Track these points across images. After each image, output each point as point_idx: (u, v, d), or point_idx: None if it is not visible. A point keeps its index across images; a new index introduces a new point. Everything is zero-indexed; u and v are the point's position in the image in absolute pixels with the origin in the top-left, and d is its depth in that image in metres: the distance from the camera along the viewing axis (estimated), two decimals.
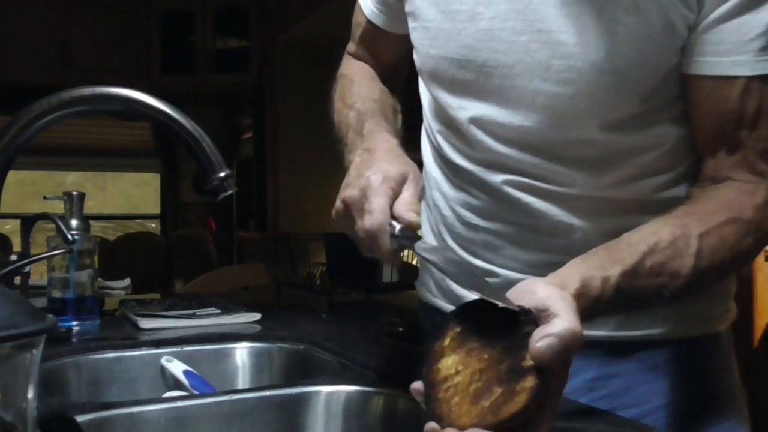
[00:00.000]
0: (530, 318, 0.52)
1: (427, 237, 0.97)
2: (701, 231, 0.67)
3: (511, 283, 0.83)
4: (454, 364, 0.53)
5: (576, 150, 0.78)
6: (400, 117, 0.93)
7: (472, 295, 0.90)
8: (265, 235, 4.16)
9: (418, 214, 0.68)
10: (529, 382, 0.49)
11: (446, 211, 0.90)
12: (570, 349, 0.51)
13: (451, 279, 0.66)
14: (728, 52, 0.70)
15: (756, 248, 0.72)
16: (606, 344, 0.82)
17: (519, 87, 0.76)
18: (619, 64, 0.71)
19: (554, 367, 0.51)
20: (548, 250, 0.81)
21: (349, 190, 0.70)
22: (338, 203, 0.71)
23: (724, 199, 0.71)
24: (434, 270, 0.95)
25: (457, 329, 0.55)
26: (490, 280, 0.85)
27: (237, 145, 5.03)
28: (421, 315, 1.03)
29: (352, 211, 0.69)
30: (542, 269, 0.81)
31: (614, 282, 0.62)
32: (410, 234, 0.66)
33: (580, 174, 0.78)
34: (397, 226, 0.66)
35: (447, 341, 0.55)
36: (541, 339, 0.50)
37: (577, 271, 0.61)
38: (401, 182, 0.69)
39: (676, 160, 0.79)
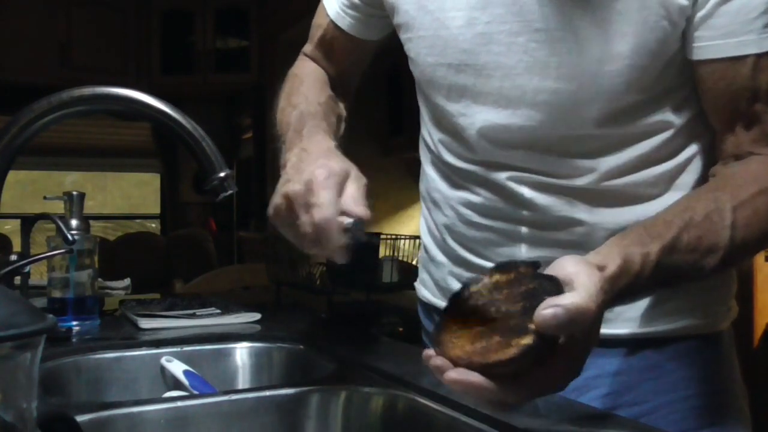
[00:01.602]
0: (556, 288, 0.54)
1: (427, 239, 0.97)
2: (734, 204, 0.68)
3: None
4: (476, 306, 0.56)
5: (579, 143, 0.78)
6: (343, 125, 0.94)
7: None
8: (265, 235, 4.16)
9: (366, 206, 0.68)
10: (525, 340, 0.51)
11: (447, 211, 0.90)
12: (575, 323, 0.51)
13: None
14: (734, 33, 0.71)
15: None
16: (613, 343, 0.82)
17: (520, 86, 0.77)
18: (618, 55, 0.72)
19: (557, 338, 0.52)
20: (552, 246, 0.81)
21: (291, 185, 0.69)
22: (278, 199, 0.71)
23: (752, 172, 0.72)
24: (435, 271, 0.95)
25: (494, 279, 0.57)
26: None
27: (237, 145, 5.03)
28: (421, 315, 1.03)
29: (295, 206, 0.68)
30: (544, 266, 0.82)
31: (654, 258, 0.62)
32: (361, 227, 0.66)
33: (583, 165, 0.79)
34: (348, 220, 0.66)
35: (480, 286, 0.57)
36: (548, 308, 0.51)
37: (617, 249, 0.61)
38: (345, 177, 0.69)
39: (678, 147, 0.80)
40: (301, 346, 1.05)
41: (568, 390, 0.80)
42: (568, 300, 0.52)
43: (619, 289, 0.59)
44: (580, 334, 0.54)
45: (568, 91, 0.75)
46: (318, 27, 1.00)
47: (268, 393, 0.82)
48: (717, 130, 0.77)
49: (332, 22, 0.96)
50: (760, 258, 2.27)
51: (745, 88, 0.72)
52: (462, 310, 0.56)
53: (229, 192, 0.81)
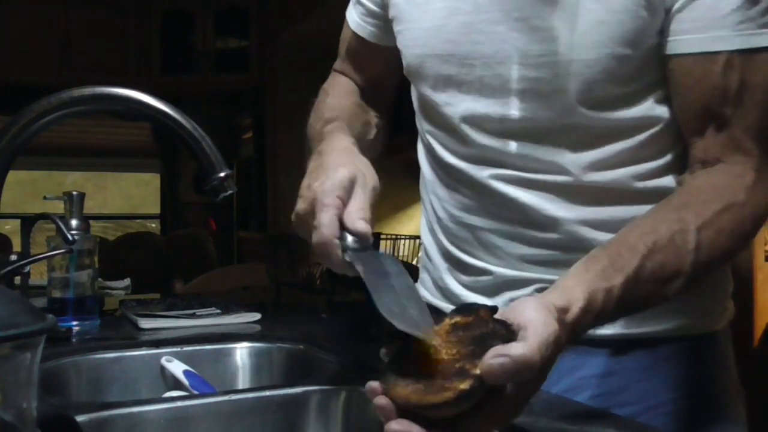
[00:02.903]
0: (507, 334, 0.53)
1: (425, 239, 0.98)
2: (698, 224, 0.67)
3: (504, 281, 0.84)
4: (430, 347, 0.55)
5: (561, 134, 0.78)
6: (374, 130, 0.94)
7: (467, 293, 0.89)
8: (265, 235, 4.16)
9: (368, 220, 0.67)
10: (462, 385, 0.50)
11: (441, 212, 0.91)
12: (521, 373, 0.51)
13: (372, 294, 0.64)
14: (706, 28, 0.70)
15: (753, 230, 0.72)
16: (606, 343, 0.82)
17: (500, 75, 0.78)
18: (596, 43, 0.72)
19: (500, 385, 0.51)
20: (539, 245, 0.82)
21: (300, 204, 0.70)
22: (294, 216, 0.72)
23: (716, 186, 0.71)
24: (433, 270, 0.96)
25: (454, 320, 0.56)
26: (483, 278, 0.86)
27: (237, 145, 5.03)
28: None
29: (305, 224, 0.70)
30: (535, 265, 0.82)
31: (617, 293, 0.62)
32: (363, 244, 0.66)
33: (565, 159, 0.79)
34: (350, 238, 0.66)
35: (439, 328, 0.56)
36: (496, 356, 0.50)
37: (581, 286, 0.61)
38: (349, 188, 0.68)
39: (661, 148, 0.79)
40: (301, 346, 1.05)
41: (562, 390, 0.80)
42: (516, 351, 0.50)
43: (581, 328, 0.60)
44: (527, 381, 0.53)
45: (547, 80, 0.75)
46: (343, 41, 1.01)
47: (268, 393, 0.82)
48: (685, 134, 0.76)
49: (354, 32, 0.97)
50: (760, 258, 2.27)
51: (714, 87, 0.71)
52: (417, 350, 0.55)
53: (229, 192, 0.82)
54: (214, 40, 4.68)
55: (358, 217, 0.67)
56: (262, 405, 0.81)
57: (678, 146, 0.79)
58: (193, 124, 0.80)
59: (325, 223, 0.66)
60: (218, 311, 1.23)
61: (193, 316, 1.19)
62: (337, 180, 0.68)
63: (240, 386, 1.06)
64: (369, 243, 0.67)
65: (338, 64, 1.04)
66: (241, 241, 4.92)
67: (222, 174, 0.80)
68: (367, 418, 0.81)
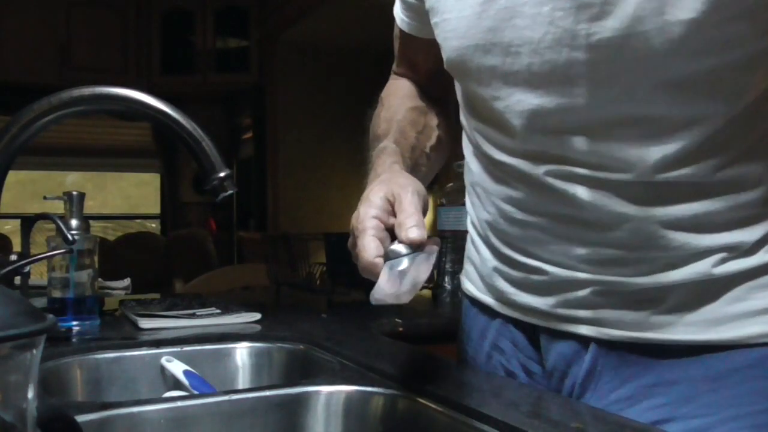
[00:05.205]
0: None
1: (472, 231, 0.93)
2: None
3: (560, 281, 0.78)
4: None
5: (627, 127, 0.70)
6: (435, 132, 0.93)
7: (517, 291, 0.84)
8: (265, 235, 4.16)
9: (420, 225, 0.67)
10: None
11: (489, 208, 0.85)
12: None
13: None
14: None
15: None
16: (670, 350, 0.74)
17: (549, 61, 0.69)
18: (653, 11, 0.63)
19: None
20: (599, 244, 0.74)
21: (349, 240, 0.72)
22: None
23: None
24: (479, 265, 0.91)
25: None
26: (538, 277, 0.80)
27: (237, 145, 5.03)
28: (464, 308, 0.98)
29: (354, 255, 0.71)
30: (594, 265, 0.76)
31: None
32: (414, 249, 0.67)
33: (633, 154, 0.70)
34: (397, 246, 0.67)
35: None
36: None
37: None
38: (384, 206, 0.69)
39: (741, 133, 0.69)
40: (301, 346, 1.05)
41: (621, 398, 0.75)
42: None
43: None
44: None
45: (604, 62, 0.67)
46: (395, 39, 0.99)
47: (268, 393, 0.82)
48: None
49: (400, 29, 0.95)
50: None
51: None
52: None
53: (229, 192, 0.81)
54: (214, 40, 4.69)
55: (409, 225, 0.67)
56: (262, 405, 0.81)
57: (760, 128, 0.70)
58: (193, 124, 0.80)
59: (364, 247, 0.67)
60: (218, 311, 1.23)
61: (193, 316, 1.19)
62: (370, 205, 0.69)
63: (240, 386, 1.06)
64: (421, 247, 0.67)
65: (395, 66, 1.01)
66: (241, 241, 4.93)
67: (222, 174, 0.80)
68: (367, 418, 0.81)
